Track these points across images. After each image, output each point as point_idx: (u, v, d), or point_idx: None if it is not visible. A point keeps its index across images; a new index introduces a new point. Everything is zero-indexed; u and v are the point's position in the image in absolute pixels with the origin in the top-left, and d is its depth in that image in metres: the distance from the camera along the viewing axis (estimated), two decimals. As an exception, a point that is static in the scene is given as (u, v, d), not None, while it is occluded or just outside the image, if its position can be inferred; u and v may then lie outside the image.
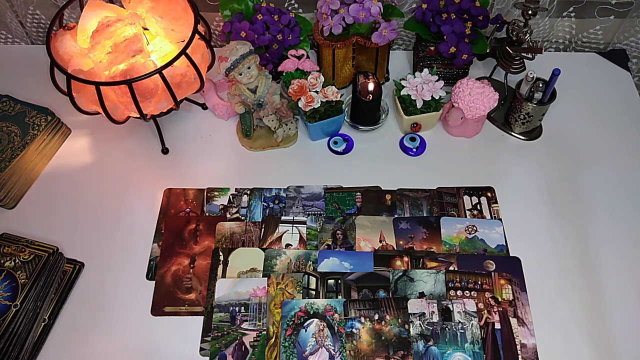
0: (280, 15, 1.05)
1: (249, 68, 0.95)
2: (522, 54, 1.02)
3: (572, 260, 0.92)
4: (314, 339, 0.85)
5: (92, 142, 1.09)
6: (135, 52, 0.89)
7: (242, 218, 0.98)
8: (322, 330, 0.86)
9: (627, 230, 0.95)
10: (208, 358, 0.84)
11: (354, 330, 0.85)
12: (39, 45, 1.28)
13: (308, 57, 1.06)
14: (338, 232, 0.96)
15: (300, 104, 1.00)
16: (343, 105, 1.05)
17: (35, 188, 1.03)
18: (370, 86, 1.02)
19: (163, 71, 0.88)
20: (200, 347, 0.85)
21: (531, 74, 1.00)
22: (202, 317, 0.88)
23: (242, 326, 0.87)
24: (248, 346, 0.85)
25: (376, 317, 0.87)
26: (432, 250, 0.94)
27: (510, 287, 0.89)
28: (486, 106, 1.01)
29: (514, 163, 1.05)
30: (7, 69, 1.21)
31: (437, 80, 1.03)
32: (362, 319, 0.86)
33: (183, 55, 0.89)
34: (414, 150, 1.06)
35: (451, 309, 0.87)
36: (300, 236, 0.96)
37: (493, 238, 0.95)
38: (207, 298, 0.89)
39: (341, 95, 1.03)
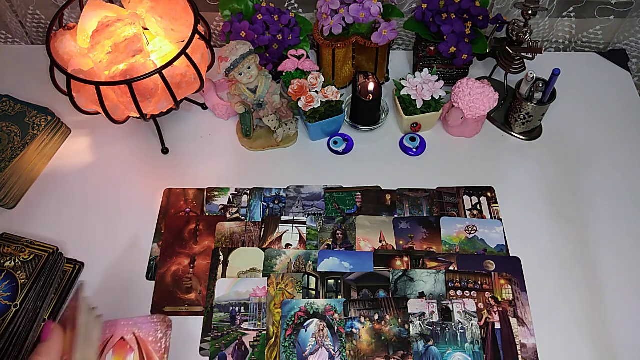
0: (280, 15, 1.05)
1: (249, 68, 0.95)
2: (522, 54, 1.02)
3: (572, 260, 0.92)
4: (314, 339, 0.85)
5: (92, 142, 1.09)
6: (135, 52, 0.89)
7: (242, 218, 0.98)
8: (322, 330, 0.86)
9: (627, 230, 0.95)
10: (208, 358, 0.84)
11: (354, 330, 0.85)
12: (39, 45, 1.28)
13: (308, 57, 1.06)
14: (338, 232, 0.96)
15: (300, 104, 1.00)
16: (343, 105, 1.05)
17: (35, 188, 1.03)
18: (370, 86, 1.02)
19: (163, 71, 0.88)
20: (200, 347, 0.85)
21: (531, 74, 1.00)
22: (202, 317, 0.88)
23: (242, 326, 0.87)
24: (248, 346, 0.85)
25: (376, 317, 0.87)
26: (432, 250, 0.94)
27: (510, 287, 0.89)
28: (486, 106, 1.01)
29: (514, 163, 1.05)
30: (7, 69, 1.21)
31: (437, 80, 1.03)
32: (362, 319, 0.86)
33: (183, 55, 0.89)
34: (414, 150, 1.06)
35: (451, 309, 0.87)
36: (300, 236, 0.96)
37: (493, 238, 0.95)
38: (207, 298, 0.89)
39: (341, 95, 1.03)
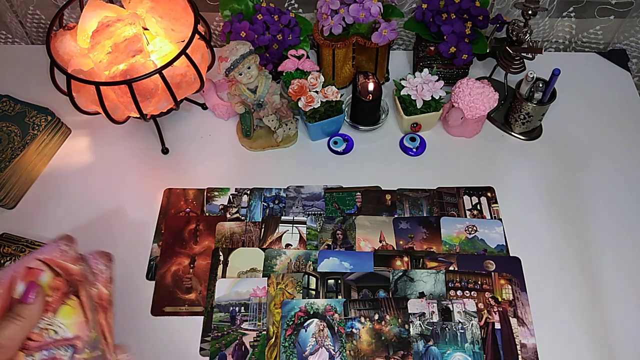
0: (280, 15, 1.05)
1: (249, 68, 0.95)
2: (522, 54, 1.02)
3: (572, 260, 0.92)
4: (314, 339, 0.85)
5: (92, 142, 1.09)
6: (135, 52, 0.89)
7: (242, 218, 0.98)
8: (322, 330, 0.86)
9: (627, 230, 0.95)
10: (208, 358, 0.84)
11: (354, 330, 0.85)
12: (39, 45, 1.28)
13: (308, 57, 1.06)
14: (338, 232, 0.96)
15: (300, 104, 1.00)
16: (343, 105, 1.05)
17: (35, 188, 1.03)
18: (370, 86, 1.02)
19: (163, 71, 0.88)
20: (200, 347, 0.85)
21: (531, 74, 1.00)
22: (202, 317, 0.88)
23: (242, 326, 0.87)
24: (248, 346, 0.85)
25: (376, 317, 0.87)
26: (432, 250, 0.94)
27: (510, 287, 0.89)
28: (486, 106, 1.01)
29: (514, 163, 1.05)
30: (7, 69, 1.21)
31: (437, 80, 1.03)
32: (362, 319, 0.86)
33: (183, 55, 0.89)
34: (414, 150, 1.06)
35: (451, 309, 0.87)
36: (300, 236, 0.96)
37: (493, 238, 0.95)
38: (207, 298, 0.89)
39: (341, 95, 1.03)
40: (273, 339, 0.85)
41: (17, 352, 0.55)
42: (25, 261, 0.60)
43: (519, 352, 0.83)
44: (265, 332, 0.86)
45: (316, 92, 1.01)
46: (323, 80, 1.02)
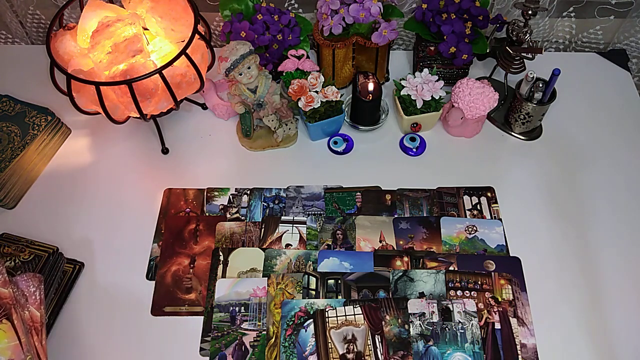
0: (280, 15, 1.05)
1: (249, 68, 0.95)
2: (522, 54, 1.02)
3: (572, 260, 0.92)
4: (314, 339, 0.85)
5: (92, 142, 1.09)
6: (135, 52, 0.89)
7: (242, 218, 0.98)
8: (322, 330, 0.86)
9: (627, 230, 0.95)
10: (208, 358, 0.84)
11: (354, 330, 0.85)
12: (39, 45, 1.28)
13: (308, 57, 1.06)
14: (338, 232, 0.96)
15: (300, 104, 1.00)
16: (343, 105, 1.05)
17: (35, 188, 1.03)
18: (370, 86, 1.02)
19: (163, 71, 0.88)
20: (200, 347, 0.85)
21: (531, 74, 1.00)
22: (202, 317, 0.88)
23: (242, 326, 0.87)
24: (248, 346, 0.85)
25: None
26: (432, 250, 0.94)
27: (510, 287, 0.89)
28: (486, 106, 1.01)
29: (514, 163, 1.05)
30: (7, 69, 1.21)
31: (437, 80, 1.03)
32: (362, 319, 0.86)
33: (183, 55, 0.89)
34: (414, 150, 1.06)
35: (451, 309, 0.87)
36: (300, 236, 0.96)
37: (493, 238, 0.95)
38: (207, 298, 0.89)
39: (341, 95, 1.03)
40: (273, 339, 0.85)
41: None
42: None
43: (519, 352, 0.83)
44: (265, 332, 0.86)
45: (316, 92, 1.01)
46: (323, 80, 1.02)
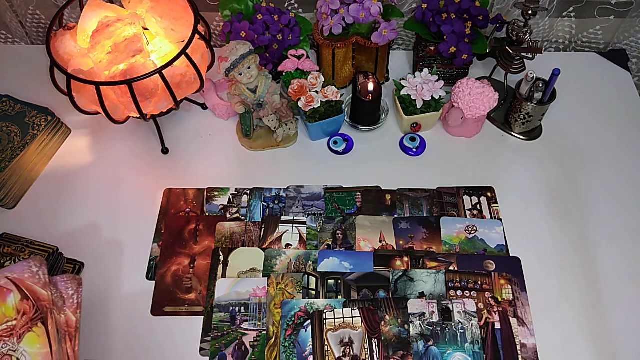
0: (280, 15, 1.05)
1: (249, 68, 0.95)
2: (522, 54, 1.02)
3: (572, 260, 0.92)
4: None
5: (92, 142, 1.09)
6: (135, 52, 0.89)
7: (242, 218, 0.98)
8: (322, 330, 0.86)
9: (627, 229, 0.95)
10: (208, 358, 0.84)
11: (354, 330, 0.85)
12: (39, 45, 1.28)
13: (308, 57, 1.06)
14: (338, 232, 0.96)
15: (300, 104, 1.00)
16: (343, 105, 1.05)
17: (35, 188, 1.03)
18: (370, 86, 1.02)
19: (163, 71, 0.88)
20: (200, 347, 0.85)
21: (531, 74, 1.00)
22: (202, 317, 0.88)
23: (242, 326, 0.87)
24: (248, 346, 0.85)
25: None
26: (432, 250, 0.94)
27: (510, 287, 0.89)
28: (486, 106, 1.01)
29: (514, 163, 1.05)
30: (7, 69, 1.21)
31: (437, 80, 1.03)
32: (362, 319, 0.86)
33: (183, 55, 0.89)
34: (414, 150, 1.06)
35: (451, 309, 0.87)
36: (300, 236, 0.96)
37: (493, 238, 0.95)
38: (207, 298, 0.89)
39: (341, 95, 1.03)
40: (273, 339, 0.85)
41: None
42: None
43: (519, 352, 0.83)
44: (265, 332, 0.86)
45: (316, 92, 1.01)
46: (323, 80, 1.02)
